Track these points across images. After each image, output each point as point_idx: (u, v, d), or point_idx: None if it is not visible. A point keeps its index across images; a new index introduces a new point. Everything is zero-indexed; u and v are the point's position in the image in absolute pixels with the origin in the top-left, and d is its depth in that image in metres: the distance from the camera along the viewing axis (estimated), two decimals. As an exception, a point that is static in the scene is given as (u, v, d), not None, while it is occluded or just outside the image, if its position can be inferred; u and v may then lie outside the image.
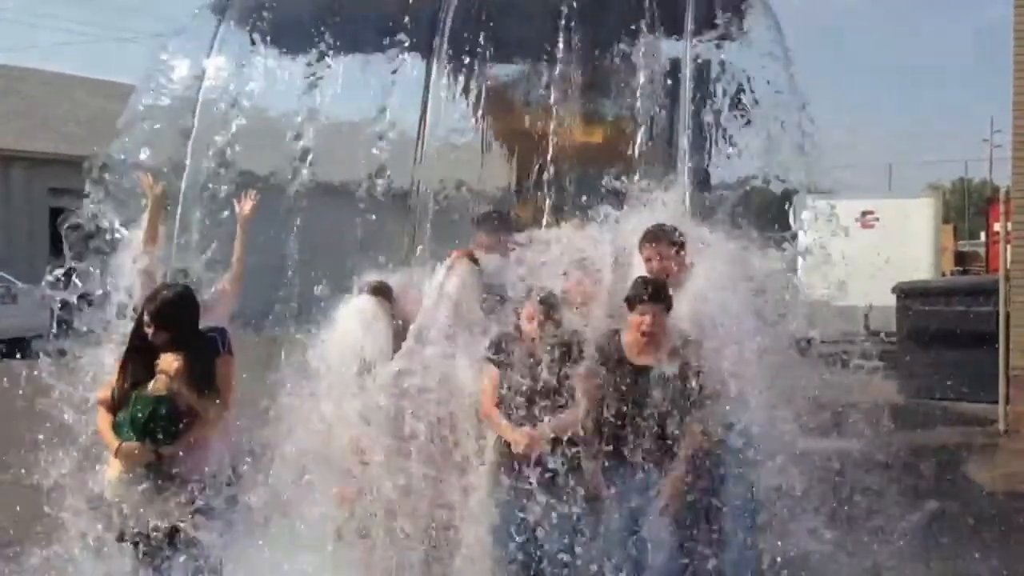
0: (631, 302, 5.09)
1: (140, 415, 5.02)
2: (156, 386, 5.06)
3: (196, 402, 5.08)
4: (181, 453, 5.10)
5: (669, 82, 6.25)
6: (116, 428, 5.10)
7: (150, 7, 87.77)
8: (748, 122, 6.28)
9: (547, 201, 6.16)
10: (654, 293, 5.05)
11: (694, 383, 5.01)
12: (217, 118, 6.72)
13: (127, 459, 5.05)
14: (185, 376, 5.05)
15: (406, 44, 6.42)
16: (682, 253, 5.36)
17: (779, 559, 5.14)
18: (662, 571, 4.96)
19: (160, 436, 5.03)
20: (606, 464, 5.05)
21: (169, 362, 5.05)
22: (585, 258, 5.43)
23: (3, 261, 21.33)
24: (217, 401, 5.18)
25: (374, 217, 6.29)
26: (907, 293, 14.20)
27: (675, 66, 6.35)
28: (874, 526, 6.44)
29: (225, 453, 5.30)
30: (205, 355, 5.19)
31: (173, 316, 5.11)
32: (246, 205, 6.00)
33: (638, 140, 6.19)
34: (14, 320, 18.59)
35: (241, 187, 6.14)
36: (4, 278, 20.70)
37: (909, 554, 6.64)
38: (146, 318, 5.10)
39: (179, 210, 6.55)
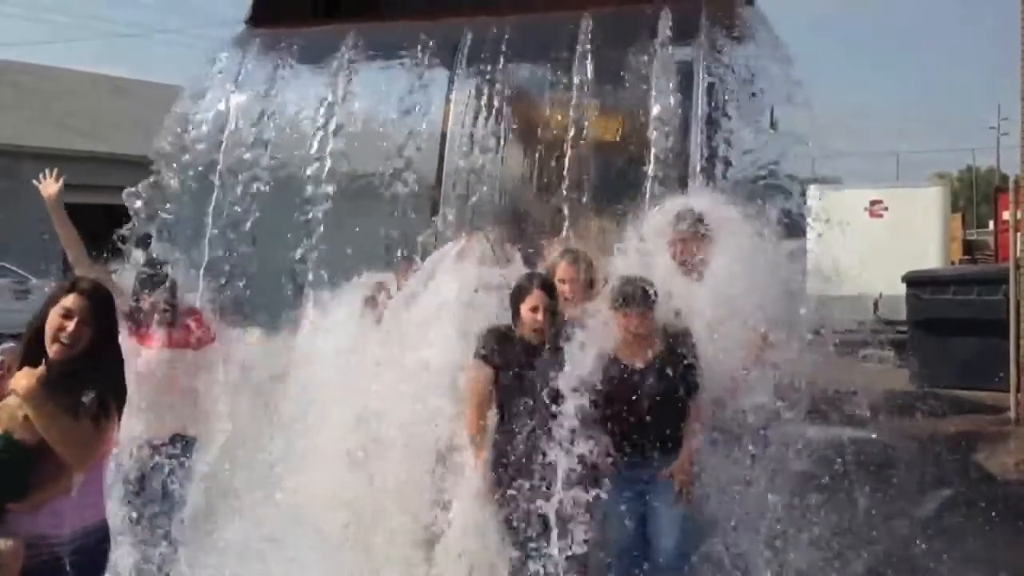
0: (616, 304, 4.93)
1: None
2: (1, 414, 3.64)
3: (57, 439, 3.58)
4: (27, 512, 3.62)
5: (681, 82, 6.33)
6: None
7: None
8: (752, 116, 6.36)
9: (566, 198, 6.22)
10: (640, 294, 4.90)
11: (687, 375, 4.92)
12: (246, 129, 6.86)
13: None
14: (40, 400, 3.59)
15: (428, 62, 6.55)
16: (705, 238, 5.30)
17: (790, 548, 5.15)
18: (673, 556, 4.91)
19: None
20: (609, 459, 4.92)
21: (18, 379, 3.64)
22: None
23: (14, 256, 21.39)
24: (90, 441, 3.66)
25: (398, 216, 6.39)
26: (917, 282, 14.25)
27: (686, 67, 6.43)
28: (886, 513, 6.51)
29: (92, 517, 3.82)
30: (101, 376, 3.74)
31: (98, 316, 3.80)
32: None
33: (652, 137, 6.25)
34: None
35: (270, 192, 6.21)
36: (16, 273, 20.82)
37: (921, 541, 6.71)
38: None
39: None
